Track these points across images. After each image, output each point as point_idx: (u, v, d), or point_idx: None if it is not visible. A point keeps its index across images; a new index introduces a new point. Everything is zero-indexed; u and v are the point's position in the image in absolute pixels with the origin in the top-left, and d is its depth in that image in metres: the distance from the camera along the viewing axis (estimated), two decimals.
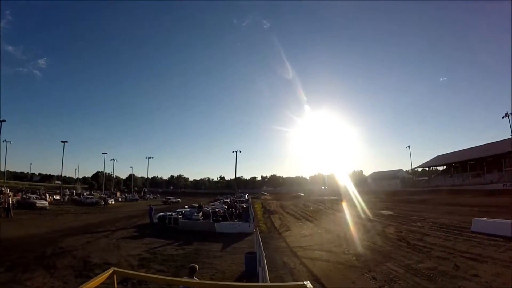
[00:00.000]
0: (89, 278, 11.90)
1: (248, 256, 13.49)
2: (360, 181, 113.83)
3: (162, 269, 13.95)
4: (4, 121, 58.59)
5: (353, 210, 42.57)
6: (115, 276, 5.01)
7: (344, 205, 51.52)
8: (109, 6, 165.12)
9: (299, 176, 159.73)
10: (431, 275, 12.52)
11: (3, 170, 77.29)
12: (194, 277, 7.49)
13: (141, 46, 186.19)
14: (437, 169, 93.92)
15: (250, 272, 12.93)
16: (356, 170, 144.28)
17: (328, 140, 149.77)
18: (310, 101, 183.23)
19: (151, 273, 13.03)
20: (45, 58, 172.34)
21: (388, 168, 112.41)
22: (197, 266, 7.89)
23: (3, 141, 67.20)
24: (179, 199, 78.82)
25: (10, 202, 34.50)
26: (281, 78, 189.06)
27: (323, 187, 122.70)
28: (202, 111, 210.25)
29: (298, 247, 19.31)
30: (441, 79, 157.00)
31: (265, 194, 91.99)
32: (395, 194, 73.63)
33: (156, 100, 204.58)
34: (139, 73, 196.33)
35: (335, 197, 72.07)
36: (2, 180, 75.53)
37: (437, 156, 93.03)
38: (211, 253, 17.92)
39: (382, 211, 39.88)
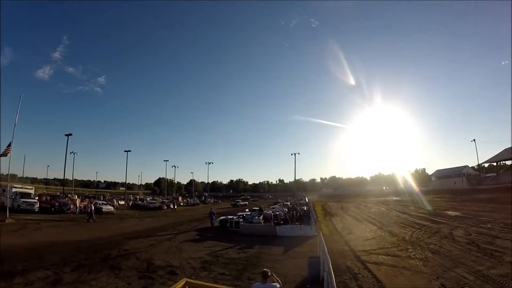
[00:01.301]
0: (152, 279, 12.16)
1: (312, 261, 12.95)
2: (423, 179, 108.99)
3: (224, 272, 13.74)
4: (70, 134, 63.56)
5: (417, 211, 40.42)
6: (187, 287, 5.01)
7: (407, 205, 49.13)
8: (157, 12, 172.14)
9: (359, 177, 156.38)
10: (504, 283, 11.40)
11: (72, 179, 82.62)
12: (267, 282, 7.34)
13: (192, 54, 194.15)
14: (505, 163, 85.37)
15: (313, 277, 12.37)
16: (418, 169, 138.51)
17: (388, 137, 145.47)
18: (368, 97, 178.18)
19: (213, 276, 13.03)
20: (104, 76, 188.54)
21: (452, 165, 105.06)
22: (269, 271, 7.68)
23: (70, 153, 71.76)
24: (247, 202, 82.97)
25: (92, 208, 37.15)
26: (335, 76, 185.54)
27: (384, 188, 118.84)
28: (260, 114, 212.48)
29: (362, 251, 18.44)
30: (503, 62, 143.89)
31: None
32: (461, 193, 68.76)
33: (214, 106, 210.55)
34: (195, 81, 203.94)
35: (397, 198, 69.20)
36: (71, 188, 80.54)
37: (506, 149, 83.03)
38: (273, 257, 17.55)
39: (448, 212, 37.54)
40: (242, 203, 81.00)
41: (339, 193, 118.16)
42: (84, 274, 12.92)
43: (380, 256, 17.01)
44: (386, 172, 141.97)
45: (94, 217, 35.33)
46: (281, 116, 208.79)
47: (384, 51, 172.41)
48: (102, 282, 11.94)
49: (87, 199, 56.68)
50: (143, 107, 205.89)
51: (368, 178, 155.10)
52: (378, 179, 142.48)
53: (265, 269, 7.70)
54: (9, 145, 31.78)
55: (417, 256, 16.59)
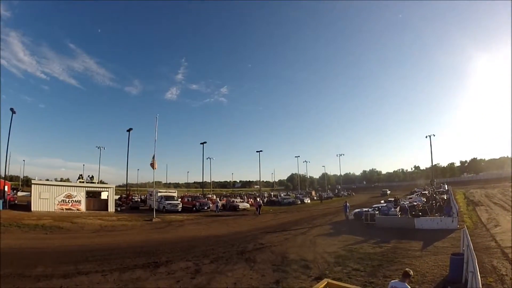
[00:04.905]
0: (285, 273, 12.43)
1: (454, 258, 11.71)
2: None
3: (358, 268, 13.36)
4: (205, 142, 70.99)
5: None
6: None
7: None
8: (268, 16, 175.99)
9: (504, 157, 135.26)
10: None
11: (210, 181, 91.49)
12: (406, 283, 7.02)
13: (313, 48, 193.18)
14: None
15: (455, 277, 11.19)
16: None
17: None
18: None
19: (347, 272, 12.79)
20: (225, 86, 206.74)
21: None
22: (411, 272, 7.51)
23: (207, 158, 79.35)
24: (389, 191, 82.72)
25: (261, 203, 44.18)
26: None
27: None
28: (391, 99, 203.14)
29: (510, 247, 16.13)
30: None
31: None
32: None
33: (342, 97, 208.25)
34: (318, 72, 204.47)
35: None
36: (209, 189, 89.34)
37: None
38: (410, 252, 16.55)
39: None
40: (388, 192, 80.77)
41: (482, 177, 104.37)
42: (222, 266, 13.95)
43: None
44: None
45: (260, 211, 42.09)
46: (416, 95, 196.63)
47: None
48: (238, 274, 12.69)
49: (224, 198, 61.32)
50: (268, 108, 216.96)
51: None
52: None
53: (407, 269, 7.42)
54: (153, 157, 36.56)
55: None
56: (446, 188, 59.92)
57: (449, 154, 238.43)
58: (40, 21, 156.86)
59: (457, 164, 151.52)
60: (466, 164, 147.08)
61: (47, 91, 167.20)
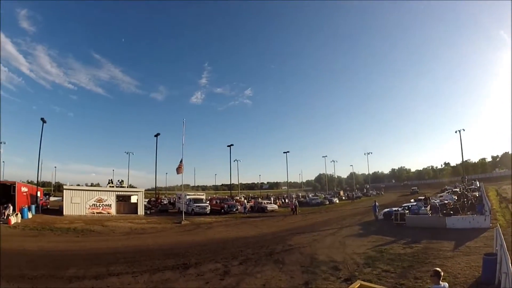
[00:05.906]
0: (315, 274, 12.36)
1: (487, 259, 11.26)
2: None
3: (389, 269, 13.14)
4: (232, 145, 72.66)
5: None
6: None
7: None
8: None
9: None
10: None
11: (237, 183, 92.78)
12: (441, 282, 6.83)
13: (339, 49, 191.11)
14: None
15: (488, 279, 10.79)
16: None
17: None
18: None
19: (377, 273, 12.59)
20: (250, 88, 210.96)
21: None
22: (441, 272, 7.07)
23: (234, 161, 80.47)
24: (419, 189, 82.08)
25: (297, 204, 46.37)
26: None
27: None
28: (419, 94, 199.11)
29: None
30: None
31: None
32: None
33: (368, 95, 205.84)
34: (342, 71, 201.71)
35: None
36: (237, 191, 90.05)
37: None
38: (442, 253, 16.10)
39: None
40: (418, 190, 79.86)
41: None
42: (251, 267, 14.04)
43: None
44: None
45: (297, 211, 43.58)
46: (445, 89, 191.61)
47: None
48: (267, 275, 12.71)
49: (252, 200, 61.76)
50: (294, 108, 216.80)
51: None
52: None
53: (437, 268, 7.13)
54: (181, 161, 37.39)
55: None
56: (478, 185, 58.16)
57: (480, 149, 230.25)
58: (65, 33, 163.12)
59: (489, 159, 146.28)
60: (497, 159, 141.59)
61: (75, 100, 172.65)
